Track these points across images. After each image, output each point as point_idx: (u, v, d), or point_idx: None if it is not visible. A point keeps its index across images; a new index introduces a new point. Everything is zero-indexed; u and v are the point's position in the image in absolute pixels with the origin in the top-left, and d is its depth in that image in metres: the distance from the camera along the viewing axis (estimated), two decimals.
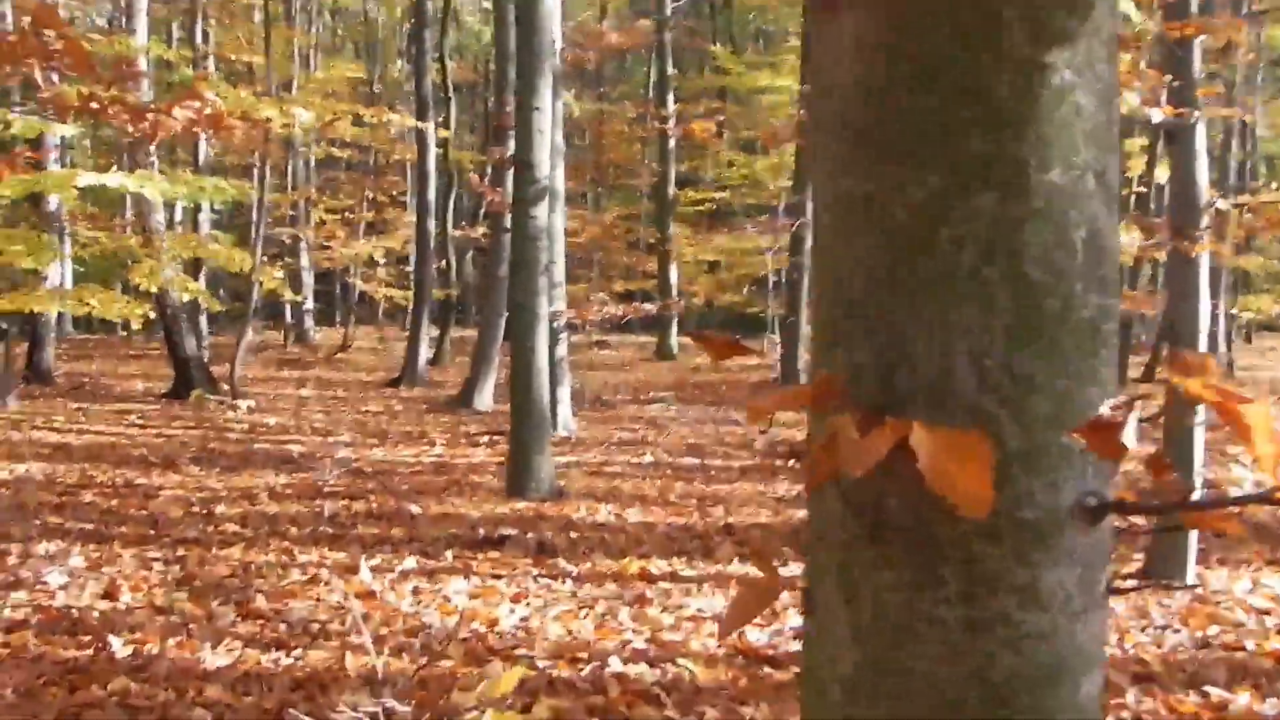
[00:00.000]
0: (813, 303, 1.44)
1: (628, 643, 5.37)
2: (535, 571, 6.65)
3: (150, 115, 5.23)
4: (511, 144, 14.73)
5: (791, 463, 10.41)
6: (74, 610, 5.35)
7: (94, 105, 5.15)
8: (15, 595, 5.60)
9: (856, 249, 1.30)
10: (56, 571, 5.99)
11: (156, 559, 6.61)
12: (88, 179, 12.66)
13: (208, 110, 5.18)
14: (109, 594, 5.74)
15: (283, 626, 5.28)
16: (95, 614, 5.33)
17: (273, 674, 4.66)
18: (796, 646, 5.40)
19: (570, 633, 5.49)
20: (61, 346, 24.81)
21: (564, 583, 6.44)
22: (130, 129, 5.34)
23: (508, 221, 15.78)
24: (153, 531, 7.48)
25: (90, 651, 4.83)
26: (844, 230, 1.32)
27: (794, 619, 5.81)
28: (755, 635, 5.53)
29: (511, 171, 14.67)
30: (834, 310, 1.33)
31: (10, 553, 6.25)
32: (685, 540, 7.78)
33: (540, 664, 4.94)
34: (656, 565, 6.91)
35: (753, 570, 6.89)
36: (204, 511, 8.26)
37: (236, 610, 5.52)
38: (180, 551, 6.82)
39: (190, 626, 5.21)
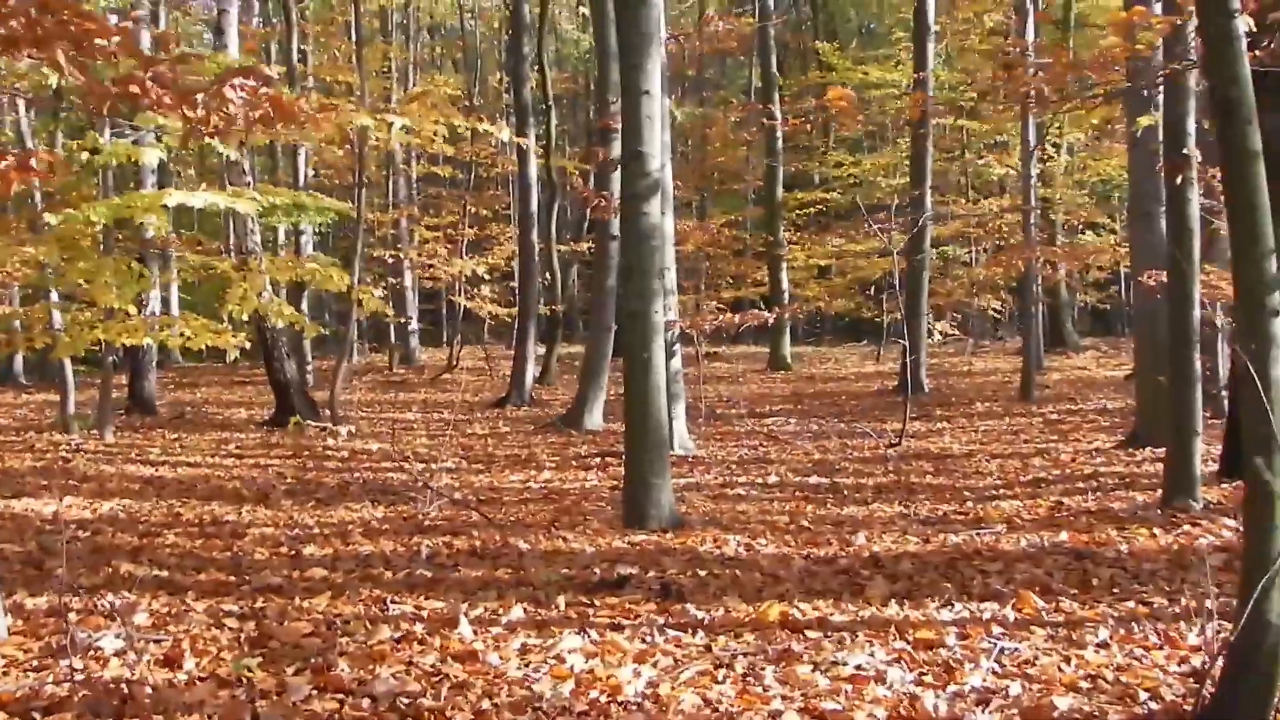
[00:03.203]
0: None
1: (778, 714, 4.44)
2: (660, 620, 5.72)
3: (201, 97, 4.47)
4: (616, 146, 14.06)
5: None
6: (125, 685, 4.56)
7: (133, 90, 4.40)
8: (63, 663, 4.84)
9: None
10: (112, 635, 5.22)
11: (231, 613, 5.83)
12: (177, 197, 12.13)
13: (264, 89, 4.39)
14: (170, 661, 4.95)
15: (366, 702, 4.44)
16: (149, 690, 4.53)
17: None
18: (983, 716, 4.42)
19: (708, 702, 4.57)
20: (167, 374, 24.68)
21: (695, 634, 5.52)
22: (181, 118, 4.60)
23: (614, 229, 15.10)
24: (233, 578, 6.73)
25: None
26: None
27: (973, 677, 4.83)
28: (931, 700, 4.56)
29: (618, 172, 13.96)
30: None
31: (71, 608, 5.53)
32: (828, 576, 6.81)
33: None
34: (799, 609, 5.94)
35: (911, 613, 5.91)
36: (291, 553, 7.51)
37: (314, 680, 4.69)
38: (259, 602, 6.04)
39: (258, 704, 4.40)
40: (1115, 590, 6.27)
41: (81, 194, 14.65)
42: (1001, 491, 9.87)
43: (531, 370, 19.65)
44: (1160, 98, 9.43)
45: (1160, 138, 9.85)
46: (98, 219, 12.23)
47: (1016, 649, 5.20)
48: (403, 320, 26.98)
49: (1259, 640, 4.01)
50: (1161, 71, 7.72)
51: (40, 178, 4.95)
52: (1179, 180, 8.47)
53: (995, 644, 5.26)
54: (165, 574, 6.82)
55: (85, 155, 12.32)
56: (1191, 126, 8.57)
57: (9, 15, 3.92)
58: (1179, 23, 7.00)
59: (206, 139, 5.08)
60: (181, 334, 12.63)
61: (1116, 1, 21.83)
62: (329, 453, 12.98)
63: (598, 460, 12.30)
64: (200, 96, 4.42)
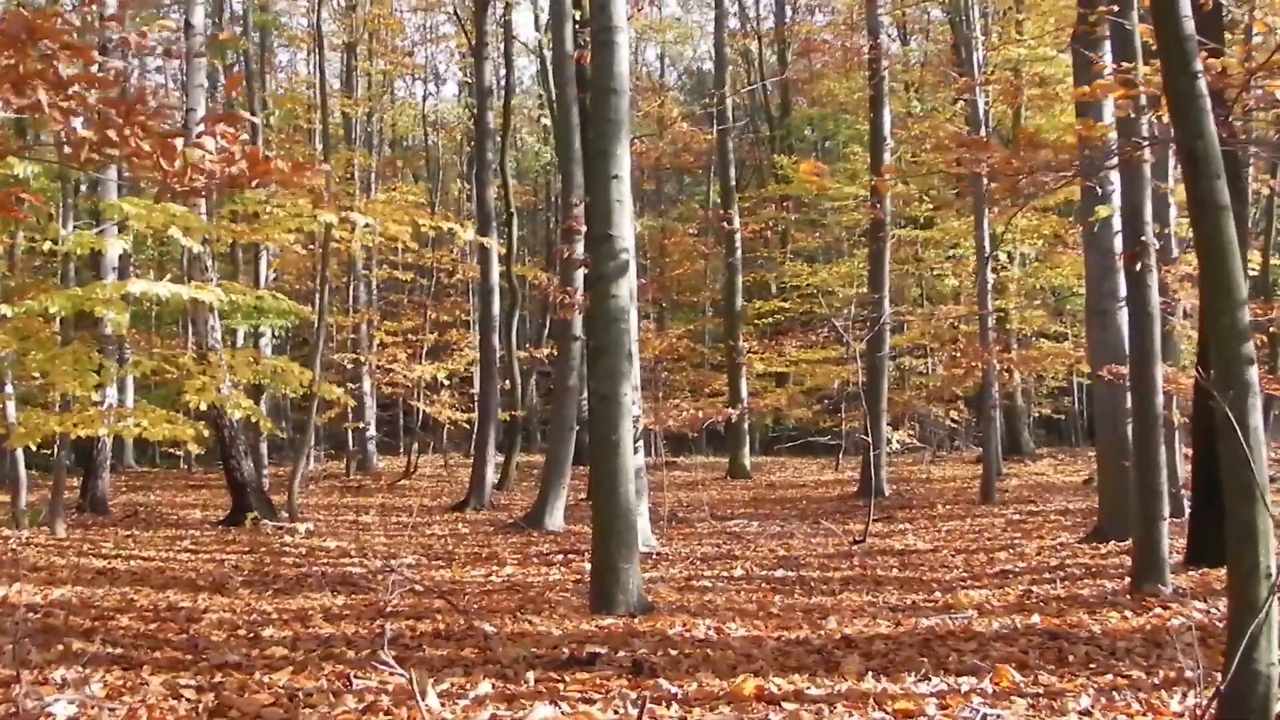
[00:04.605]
0: None
1: None
2: (634, 695, 5.58)
3: (179, 143, 4.46)
4: (580, 247, 14.18)
5: None
6: None
7: (111, 136, 4.38)
8: None
9: None
10: (65, 701, 5.03)
11: (189, 686, 5.63)
12: (140, 286, 12.06)
13: (242, 136, 4.39)
14: None
15: None
16: None
17: None
18: None
19: None
20: (120, 477, 24.23)
21: (669, 707, 5.38)
22: (159, 169, 4.56)
23: (576, 329, 15.16)
24: (189, 656, 6.52)
25: None
26: None
27: None
28: None
29: (582, 272, 14.06)
30: None
31: (20, 680, 5.31)
32: (801, 655, 6.69)
33: None
34: (775, 684, 5.82)
35: (888, 686, 5.80)
36: (249, 635, 7.31)
37: None
38: (218, 678, 5.85)
39: None
40: (1092, 665, 6.20)
41: (40, 287, 14.53)
42: (969, 582, 9.80)
43: (491, 474, 19.46)
44: (1116, 189, 9.63)
45: (1116, 228, 10.04)
46: (56, 309, 12.11)
47: (999, 716, 5.11)
48: (360, 426, 26.80)
49: (1250, 690, 3.96)
50: (1118, 152, 7.86)
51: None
52: (1139, 267, 8.60)
53: (978, 712, 5.17)
54: (120, 651, 6.60)
55: (47, 245, 12.28)
56: (1149, 213, 8.74)
57: None
58: (1134, 97, 7.17)
59: (179, 199, 5.04)
60: (138, 424, 12.43)
61: (1064, 119, 22.48)
62: (287, 549, 12.72)
63: (560, 558, 12.12)
64: (179, 143, 4.41)
